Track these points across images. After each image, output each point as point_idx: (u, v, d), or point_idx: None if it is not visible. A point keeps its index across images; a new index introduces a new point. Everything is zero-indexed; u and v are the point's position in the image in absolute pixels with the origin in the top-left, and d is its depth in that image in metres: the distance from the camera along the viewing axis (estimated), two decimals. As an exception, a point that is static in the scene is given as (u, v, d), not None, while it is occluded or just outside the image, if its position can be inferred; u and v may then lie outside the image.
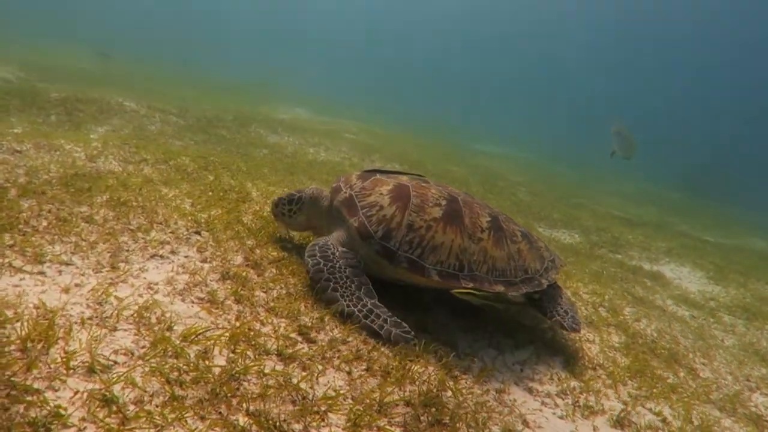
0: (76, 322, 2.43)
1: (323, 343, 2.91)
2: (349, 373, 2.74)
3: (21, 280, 2.70)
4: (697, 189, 22.76)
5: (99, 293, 2.69)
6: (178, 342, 2.48)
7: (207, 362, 2.40)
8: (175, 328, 2.60)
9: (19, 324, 2.28)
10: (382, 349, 3.07)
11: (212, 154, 6.28)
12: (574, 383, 3.54)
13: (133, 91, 12.14)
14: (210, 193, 4.67)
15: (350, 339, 3.05)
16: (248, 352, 2.57)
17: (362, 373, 2.78)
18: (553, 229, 9.05)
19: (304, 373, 2.58)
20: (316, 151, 9.51)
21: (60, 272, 2.87)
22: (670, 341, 5.03)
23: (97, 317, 2.51)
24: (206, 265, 3.34)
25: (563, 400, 3.30)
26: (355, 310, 3.24)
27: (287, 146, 9.27)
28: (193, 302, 2.91)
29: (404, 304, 3.75)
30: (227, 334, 2.64)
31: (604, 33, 58.39)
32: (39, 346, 2.20)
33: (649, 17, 53.80)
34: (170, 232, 3.68)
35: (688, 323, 5.84)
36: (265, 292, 3.23)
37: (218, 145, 7.69)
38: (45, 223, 3.36)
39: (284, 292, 3.32)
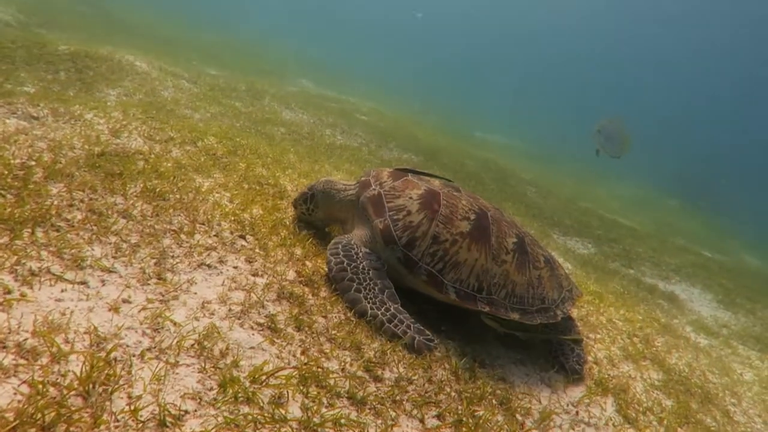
0: (134, 355, 2.13)
1: (390, 383, 2.69)
2: (422, 421, 2.53)
3: (63, 292, 2.37)
4: (690, 195, 22.92)
5: (153, 316, 2.38)
6: (248, 384, 2.20)
7: (282, 410, 2.14)
8: (241, 363, 2.31)
9: (74, 358, 1.98)
10: (447, 389, 2.88)
11: (237, 134, 5.88)
12: (628, 430, 3.40)
13: (138, 48, 11.46)
14: (246, 186, 4.32)
15: (415, 377, 2.82)
16: (322, 398, 2.31)
17: (435, 421, 2.57)
18: (566, 237, 8.91)
19: (378, 422, 2.34)
20: (333, 133, 9.12)
21: (103, 282, 2.55)
22: (701, 377, 4.94)
23: (155, 348, 2.21)
24: (259, 281, 3.04)
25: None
26: (378, 313, 3.10)
27: (303, 125, 8.86)
28: (252, 328, 2.62)
29: (460, 331, 3.54)
30: (296, 373, 2.37)
31: (607, 33, 58.10)
32: (100, 390, 1.90)
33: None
34: (214, 235, 3.35)
35: (710, 354, 5.78)
36: (324, 317, 2.95)
37: (236, 120, 7.26)
38: (79, 217, 3.00)
39: (342, 316, 3.05)
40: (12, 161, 3.37)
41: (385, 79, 31.06)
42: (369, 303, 3.14)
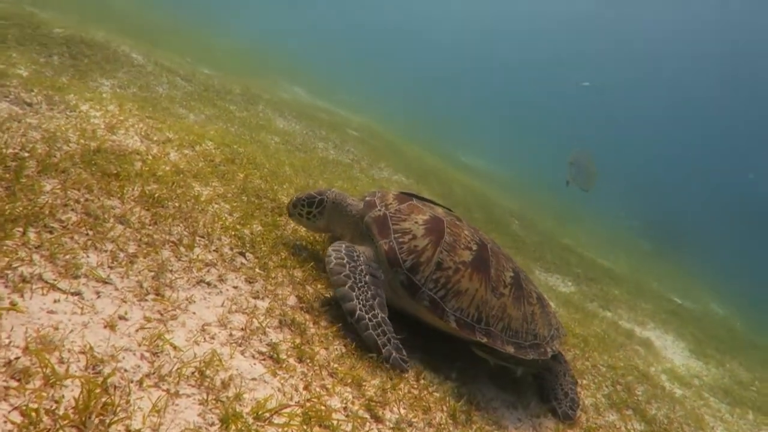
0: (132, 381, 1.97)
1: (391, 424, 2.59)
2: (422, 469, 2.42)
3: (56, 302, 2.20)
4: (658, 236, 23.52)
5: (152, 338, 2.22)
6: (251, 421, 2.06)
7: (285, 453, 2.01)
8: (244, 396, 2.17)
9: (69, 382, 1.82)
10: (445, 433, 2.78)
11: (234, 141, 5.73)
12: (616, 485, 3.36)
13: (130, 36, 11.17)
14: (245, 199, 4.18)
15: (415, 419, 2.72)
16: (325, 441, 2.19)
17: (435, 469, 2.46)
18: (548, 273, 8.96)
19: (380, 470, 2.23)
20: (325, 146, 9.01)
21: (98, 294, 2.38)
22: (678, 429, 4.97)
23: (154, 374, 2.06)
24: (260, 304, 2.90)
25: None
26: (366, 316, 3.06)
27: (296, 135, 8.72)
28: (254, 357, 2.49)
29: (455, 366, 3.46)
30: (300, 411, 2.25)
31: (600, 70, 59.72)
32: (96, 421, 1.74)
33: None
34: (214, 250, 3.20)
35: (684, 406, 5.82)
36: (325, 349, 2.83)
37: (230, 124, 7.09)
38: (74, 218, 2.82)
39: (343, 349, 2.94)
40: (4, 150, 3.16)
41: (374, 93, 31.13)
42: (359, 303, 3.08)
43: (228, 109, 7.97)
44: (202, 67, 11.69)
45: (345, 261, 3.22)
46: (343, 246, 3.33)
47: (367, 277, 3.23)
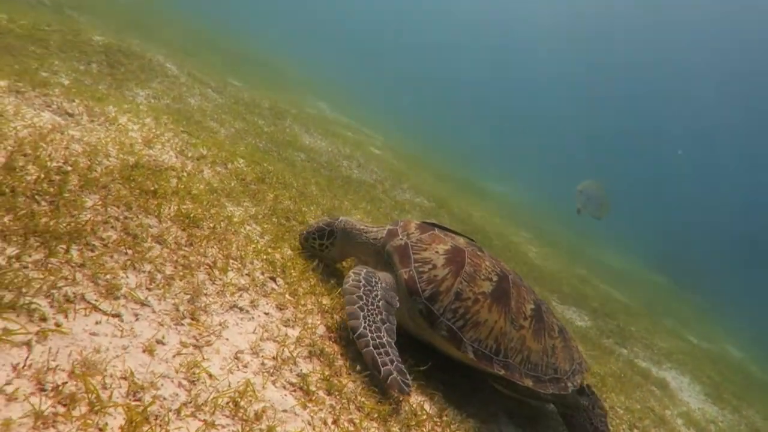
0: (171, 410, 1.99)
1: (415, 464, 2.56)
2: None
3: (97, 324, 2.23)
4: (676, 274, 23.18)
5: (189, 365, 2.25)
6: (283, 457, 2.07)
7: (315, 493, 2.01)
8: (276, 429, 2.18)
9: (113, 411, 1.84)
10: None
11: (263, 158, 5.81)
12: None
13: (164, 45, 11.41)
14: (275, 220, 4.23)
15: (438, 459, 2.70)
16: (354, 481, 2.18)
17: None
18: (564, 305, 8.88)
19: None
20: (349, 165, 9.08)
21: (137, 317, 2.41)
22: (695, 479, 4.87)
23: (191, 403, 2.08)
24: (290, 332, 2.92)
25: None
26: (369, 334, 2.99)
27: (321, 153, 8.81)
28: (285, 388, 2.50)
29: (474, 403, 3.44)
30: (330, 448, 2.25)
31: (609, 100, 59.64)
32: (137, 451, 1.76)
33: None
34: (246, 274, 3.23)
35: (701, 454, 5.71)
36: (353, 382, 2.83)
37: (258, 139, 7.18)
38: (114, 237, 2.87)
39: (370, 382, 2.92)
40: (49, 164, 3.24)
41: (392, 111, 31.35)
42: (365, 322, 3.05)
43: (257, 124, 8.08)
44: (231, 79, 11.88)
45: (361, 284, 3.23)
46: (364, 270, 3.34)
47: (381, 302, 3.23)
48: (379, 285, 3.30)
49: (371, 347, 2.95)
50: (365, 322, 3.04)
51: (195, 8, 25.16)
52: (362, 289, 3.20)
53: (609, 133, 57.78)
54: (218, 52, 16.32)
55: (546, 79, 64.42)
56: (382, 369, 2.87)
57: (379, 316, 3.15)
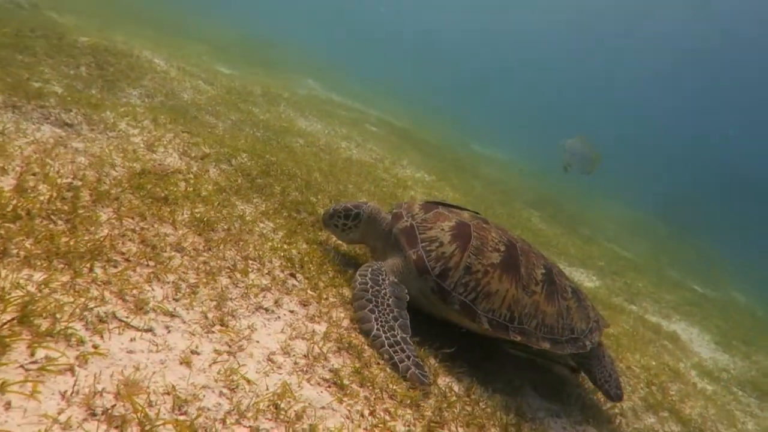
0: (216, 420, 2.04)
1: (452, 445, 2.65)
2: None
3: (132, 341, 2.27)
4: (675, 220, 23.29)
5: (227, 372, 2.30)
6: (329, 455, 2.14)
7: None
8: (318, 427, 2.25)
9: (162, 428, 1.89)
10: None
11: (264, 149, 5.79)
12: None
13: (148, 39, 11.20)
14: (285, 214, 4.25)
15: (471, 437, 2.79)
16: (398, 470, 2.26)
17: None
18: (572, 267, 8.98)
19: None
20: (348, 146, 9.04)
21: (168, 329, 2.45)
22: (712, 429, 5.03)
23: (234, 411, 2.14)
24: (317, 328, 2.97)
25: None
26: (382, 335, 3.10)
27: (319, 136, 8.76)
28: (320, 385, 2.56)
29: (502, 379, 3.54)
30: (371, 440, 2.32)
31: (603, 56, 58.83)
32: (191, 465, 1.82)
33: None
34: (267, 274, 3.27)
35: (716, 402, 5.87)
36: (383, 371, 2.90)
37: (256, 129, 7.13)
38: (134, 249, 2.89)
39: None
40: (59, 181, 3.23)
41: (384, 82, 30.95)
42: (377, 324, 3.14)
43: (252, 112, 8.02)
44: (219, 66, 11.71)
45: (369, 285, 3.31)
46: (369, 270, 3.42)
47: (391, 299, 3.30)
48: (386, 281, 3.38)
49: (387, 347, 3.03)
50: (377, 324, 3.13)
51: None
52: (370, 290, 3.28)
53: (592, 88, 57.34)
54: (202, 40, 16.03)
55: (526, 32, 63.38)
56: (400, 366, 2.96)
57: (391, 314, 3.22)
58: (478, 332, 3.59)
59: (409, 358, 3.03)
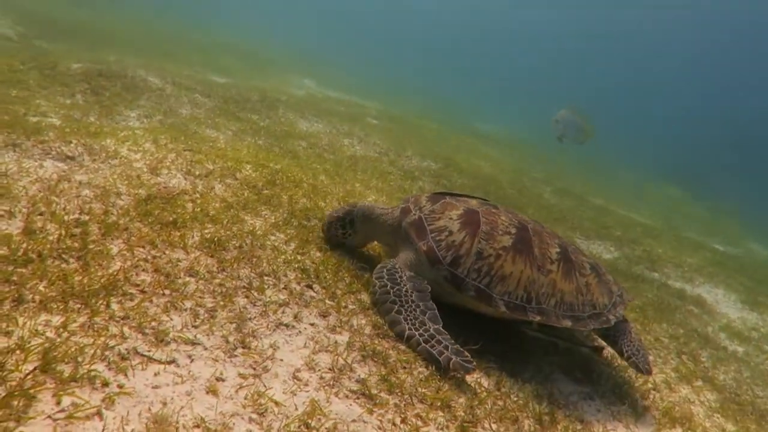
0: (249, 449, 2.03)
1: (487, 443, 2.62)
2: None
3: (156, 376, 2.26)
4: (689, 182, 22.99)
5: (254, 396, 2.28)
6: (365, 471, 2.11)
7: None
8: (352, 444, 2.23)
9: (195, 464, 1.88)
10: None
11: (267, 157, 5.75)
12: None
13: (140, 55, 11.17)
14: (295, 223, 4.21)
15: (505, 431, 2.76)
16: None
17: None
18: (589, 241, 8.88)
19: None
20: (351, 143, 8.98)
21: (191, 358, 2.44)
22: (749, 392, 4.95)
23: (266, 437, 2.11)
24: (339, 339, 2.94)
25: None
26: (416, 333, 3.11)
27: (321, 136, 8.70)
28: (348, 397, 2.54)
29: (529, 369, 3.51)
30: (406, 450, 2.30)
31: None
32: (229, 499, 1.80)
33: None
34: (283, 288, 3.24)
35: (749, 364, 5.78)
36: (410, 374, 2.87)
37: (257, 137, 7.10)
38: (148, 279, 2.88)
39: (426, 371, 2.96)
40: (65, 217, 3.22)
41: (378, 72, 30.76)
42: (408, 324, 3.16)
43: (251, 120, 7.98)
44: (213, 76, 11.67)
45: (389, 287, 3.33)
46: (385, 271, 3.45)
47: (414, 294, 3.32)
48: (404, 277, 3.41)
49: (423, 344, 3.03)
50: (408, 323, 3.14)
51: (147, 8, 24.47)
52: (392, 291, 3.30)
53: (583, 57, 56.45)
54: (194, 50, 15.98)
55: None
56: (440, 359, 2.96)
57: (418, 309, 3.24)
58: (497, 316, 3.58)
59: (447, 348, 3.04)
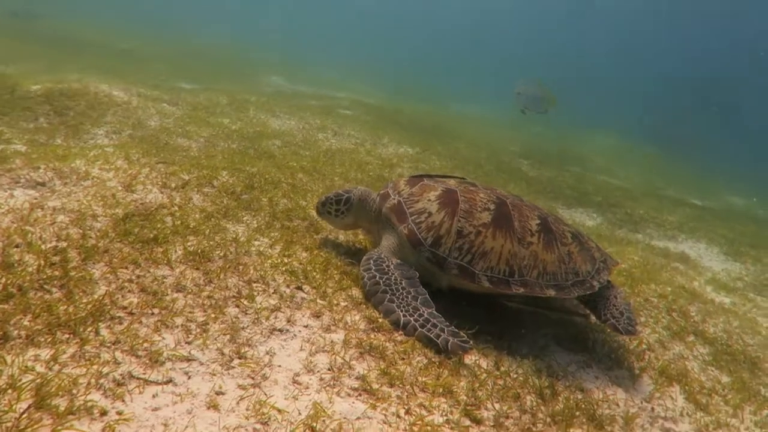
0: (256, 460, 2.02)
1: (490, 423, 2.67)
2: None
3: (154, 397, 2.24)
4: (661, 140, 23.33)
5: (256, 406, 2.27)
6: (374, 468, 2.13)
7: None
8: (358, 442, 2.24)
9: (204, 482, 1.87)
10: (539, 415, 2.87)
11: (242, 161, 5.68)
12: (703, 417, 3.47)
13: (102, 69, 10.91)
14: (278, 226, 4.18)
15: (509, 410, 2.80)
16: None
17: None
18: (571, 209, 8.98)
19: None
20: (325, 136, 8.91)
21: (188, 375, 2.42)
22: (739, 342, 5.07)
23: (272, 445, 2.11)
24: (335, 338, 2.94)
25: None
26: (411, 319, 3.17)
27: (295, 133, 8.62)
28: (350, 395, 2.54)
29: (527, 341, 3.55)
30: (413, 441, 2.31)
31: None
32: None
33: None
34: (273, 293, 3.22)
35: (737, 313, 5.93)
36: (409, 365, 2.88)
37: (230, 141, 7.01)
38: (135, 300, 2.84)
39: (424, 359, 2.98)
40: (43, 246, 3.15)
41: (345, 59, 30.52)
42: (402, 311, 3.20)
43: (222, 124, 7.87)
44: (180, 83, 11.46)
45: (377, 278, 3.37)
46: (372, 262, 3.48)
47: (403, 281, 3.37)
48: (392, 266, 3.45)
49: (419, 328, 3.08)
50: (401, 311, 3.17)
51: (98, 15, 23.98)
52: (382, 282, 3.33)
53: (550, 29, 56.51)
54: (158, 58, 15.66)
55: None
56: (438, 341, 3.02)
57: (410, 296, 3.28)
58: (482, 292, 3.64)
59: (443, 330, 3.09)
